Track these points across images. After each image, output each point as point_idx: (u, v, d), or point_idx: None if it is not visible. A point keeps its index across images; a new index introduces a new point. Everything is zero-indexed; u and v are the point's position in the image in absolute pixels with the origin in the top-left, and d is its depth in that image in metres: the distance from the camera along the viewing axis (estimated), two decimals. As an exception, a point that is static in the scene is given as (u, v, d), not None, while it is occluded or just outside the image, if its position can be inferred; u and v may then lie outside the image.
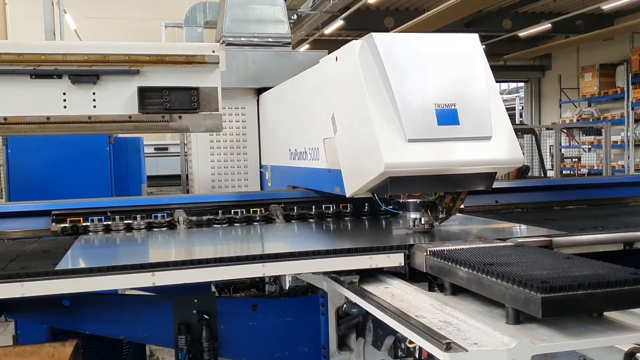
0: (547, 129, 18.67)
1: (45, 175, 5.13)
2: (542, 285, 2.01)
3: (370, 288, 2.77)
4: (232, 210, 3.86)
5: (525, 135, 13.48)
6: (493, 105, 3.14)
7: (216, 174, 5.82)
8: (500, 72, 22.84)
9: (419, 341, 2.13)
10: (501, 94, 32.46)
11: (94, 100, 3.12)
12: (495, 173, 3.15)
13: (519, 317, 2.18)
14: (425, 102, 3.03)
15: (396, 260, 2.88)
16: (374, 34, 3.14)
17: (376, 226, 3.84)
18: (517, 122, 23.00)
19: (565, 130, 18.35)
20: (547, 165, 18.04)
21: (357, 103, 3.15)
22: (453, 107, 3.05)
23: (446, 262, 2.57)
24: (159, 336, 3.32)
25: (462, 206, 3.37)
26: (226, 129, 5.83)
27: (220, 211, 3.83)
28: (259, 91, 5.71)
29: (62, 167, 5.13)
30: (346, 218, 3.97)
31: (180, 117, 2.75)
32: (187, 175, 6.85)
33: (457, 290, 2.56)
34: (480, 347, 1.99)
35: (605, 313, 2.29)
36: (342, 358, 3.43)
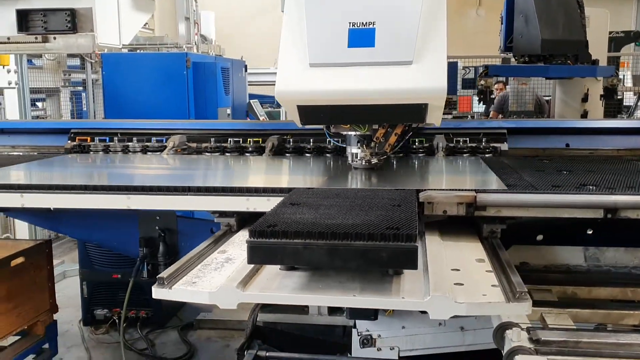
0: None
1: (134, 95, 5.61)
2: (262, 229, 1.77)
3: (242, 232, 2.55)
4: (230, 140, 3.75)
5: None
6: (428, 27, 2.64)
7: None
8: None
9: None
10: None
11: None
12: (425, 105, 2.70)
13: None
14: (338, 21, 2.68)
15: None
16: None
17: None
18: None
19: None
20: None
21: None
22: (371, 26, 2.67)
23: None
24: (127, 246, 3.61)
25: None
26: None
27: (212, 139, 3.78)
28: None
29: (148, 89, 5.56)
30: (327, 155, 3.67)
31: (55, 38, 2.85)
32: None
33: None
34: (188, 287, 1.86)
35: (407, 272, 1.95)
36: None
